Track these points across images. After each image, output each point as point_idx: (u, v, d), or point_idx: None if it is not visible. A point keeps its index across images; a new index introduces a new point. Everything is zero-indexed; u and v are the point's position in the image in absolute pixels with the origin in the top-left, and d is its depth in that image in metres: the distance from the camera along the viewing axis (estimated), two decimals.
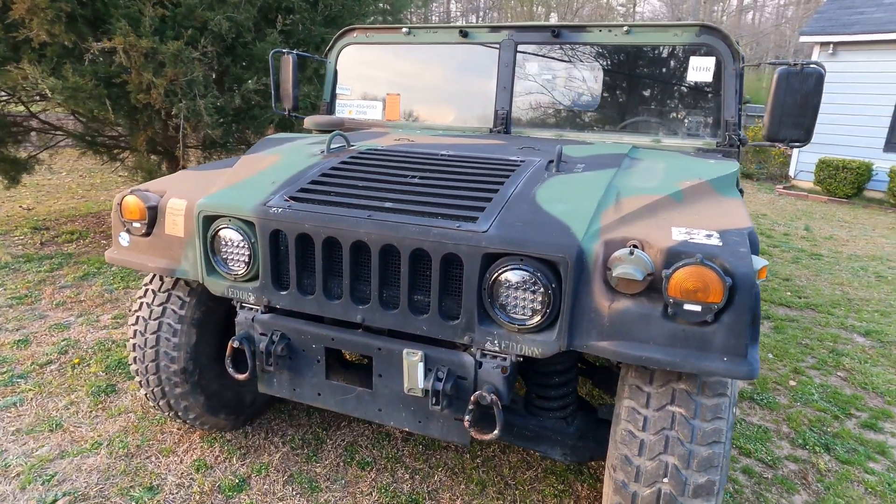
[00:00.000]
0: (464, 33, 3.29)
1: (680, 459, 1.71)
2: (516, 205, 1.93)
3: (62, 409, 3.07)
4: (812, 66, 2.56)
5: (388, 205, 2.01)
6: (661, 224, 1.86)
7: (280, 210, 2.04)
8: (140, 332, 2.52)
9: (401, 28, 3.47)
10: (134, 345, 2.55)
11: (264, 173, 2.35)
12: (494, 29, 3.25)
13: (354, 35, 3.61)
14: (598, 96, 3.26)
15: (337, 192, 2.15)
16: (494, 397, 1.82)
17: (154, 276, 2.57)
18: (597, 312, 1.70)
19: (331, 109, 3.75)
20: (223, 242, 2.16)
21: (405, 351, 1.93)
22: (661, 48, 3.01)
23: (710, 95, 2.93)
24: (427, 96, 3.65)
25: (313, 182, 2.22)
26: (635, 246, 1.75)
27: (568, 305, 1.71)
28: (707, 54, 2.88)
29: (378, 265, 1.93)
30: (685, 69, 2.97)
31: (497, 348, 1.83)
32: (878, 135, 11.08)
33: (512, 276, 1.75)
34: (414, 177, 2.23)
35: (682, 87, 3.01)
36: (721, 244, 1.65)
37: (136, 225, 2.32)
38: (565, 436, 2.21)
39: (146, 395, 2.64)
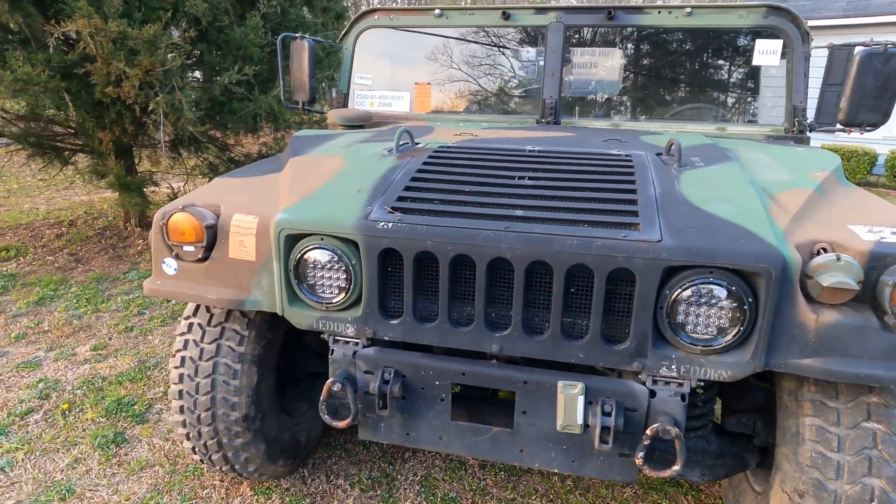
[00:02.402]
0: (506, 15, 3.00)
1: (889, 482, 1.55)
2: (671, 207, 1.70)
3: (67, 470, 2.55)
4: (894, 46, 2.49)
5: (518, 213, 1.72)
6: (831, 222, 1.69)
7: (390, 225, 1.70)
8: (188, 375, 2.09)
9: (431, 10, 3.13)
10: (180, 391, 2.11)
11: (339, 180, 1.98)
12: (540, 10, 2.98)
13: (375, 17, 3.23)
14: (653, 82, 3.08)
15: (441, 199, 1.84)
16: (677, 430, 1.59)
17: (198, 307, 2.13)
18: (800, 327, 1.51)
19: (347, 101, 3.35)
20: (311, 265, 1.79)
21: (561, 383, 1.66)
22: (722, 30, 2.86)
23: (776, 79, 2.82)
24: (462, 85, 3.34)
25: (407, 189, 1.89)
26: (824, 249, 1.57)
27: (768, 321, 1.50)
28: (774, 37, 2.76)
29: (522, 285, 1.64)
30: (749, 52, 2.84)
31: (674, 374, 1.61)
32: None
33: (699, 291, 1.52)
34: (522, 177, 1.95)
35: (746, 72, 2.88)
36: None
37: (189, 248, 1.89)
38: (706, 455, 2.03)
39: (194, 448, 2.21)
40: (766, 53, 2.79)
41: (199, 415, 2.10)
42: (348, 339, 1.86)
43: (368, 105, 3.31)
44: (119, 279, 4.89)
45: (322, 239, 1.76)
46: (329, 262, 1.77)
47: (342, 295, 1.79)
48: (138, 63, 3.60)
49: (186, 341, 2.11)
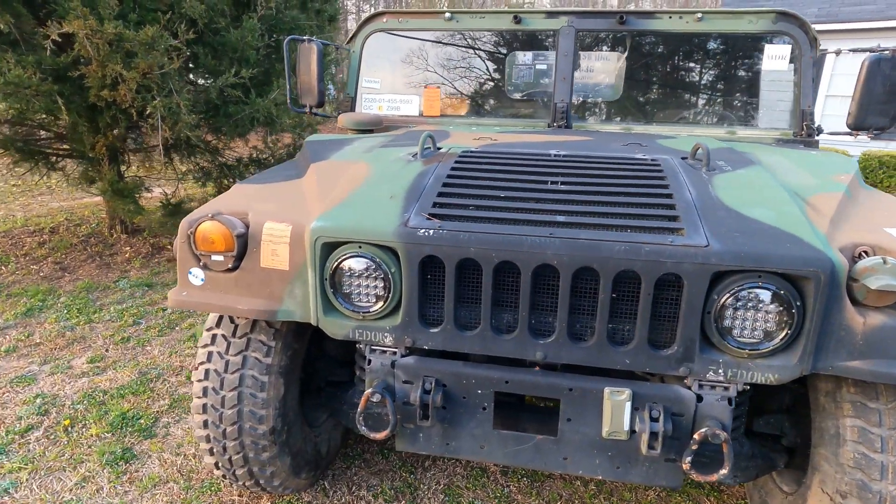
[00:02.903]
0: (517, 19, 3.00)
1: None
2: (711, 211, 1.70)
3: (76, 489, 2.45)
4: None
5: (560, 218, 1.71)
6: (867, 225, 1.72)
7: (431, 232, 1.67)
8: (213, 388, 2.02)
9: (441, 13, 3.11)
10: (204, 405, 2.04)
11: (369, 186, 1.94)
12: (552, 14, 2.99)
13: (384, 20, 3.19)
14: (662, 86, 3.11)
15: (477, 204, 1.81)
16: (725, 434, 1.59)
17: (221, 318, 2.07)
18: (848, 330, 1.52)
19: (354, 105, 3.31)
20: (348, 274, 1.75)
21: (608, 390, 1.65)
22: (732, 36, 2.90)
23: (785, 84, 2.87)
24: (471, 89, 3.33)
25: (441, 195, 1.86)
26: (865, 252, 1.60)
27: (816, 324, 1.51)
28: (783, 42, 2.81)
29: (568, 291, 1.62)
30: (759, 57, 2.88)
31: (721, 378, 1.61)
32: None
33: (748, 295, 1.53)
34: (555, 182, 1.94)
35: (755, 76, 2.93)
36: None
37: (218, 258, 1.83)
38: (739, 457, 2.04)
39: (217, 464, 2.14)
40: (776, 58, 2.84)
41: (225, 429, 2.03)
42: (385, 349, 1.82)
43: (377, 109, 3.27)
44: (109, 288, 4.74)
45: (360, 247, 1.73)
46: (367, 270, 1.73)
47: (380, 304, 1.75)
48: (135, 66, 3.49)
49: (210, 353, 2.04)
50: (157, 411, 3.02)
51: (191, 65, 4.07)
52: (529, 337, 1.69)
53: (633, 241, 1.58)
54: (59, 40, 3.37)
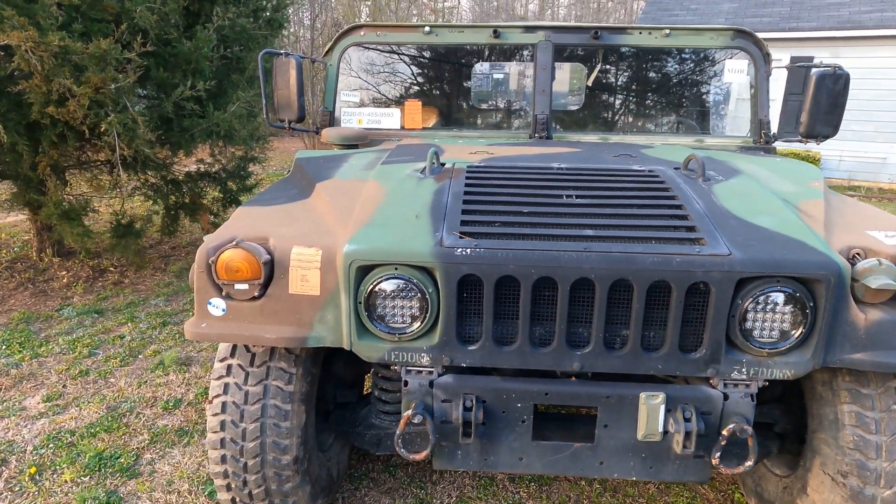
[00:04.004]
0: (496, 33, 3.07)
1: None
2: (722, 221, 1.84)
3: None
4: (841, 68, 2.84)
5: (588, 232, 1.78)
6: (850, 229, 1.91)
7: (469, 251, 1.69)
8: (232, 422, 1.93)
9: (421, 27, 3.12)
10: (223, 440, 1.94)
11: (389, 206, 1.93)
12: (529, 29, 3.09)
13: (361, 34, 3.17)
14: (635, 98, 3.28)
15: (502, 221, 1.86)
16: (751, 428, 1.72)
17: (235, 347, 1.98)
18: (852, 326, 1.69)
19: (333, 120, 3.25)
20: (383, 296, 1.74)
21: (644, 395, 1.73)
22: (695, 51, 3.12)
23: (743, 96, 3.11)
24: (450, 101, 3.36)
25: (465, 212, 1.89)
26: (857, 254, 1.78)
27: (827, 322, 1.67)
28: (741, 57, 3.05)
29: (605, 303, 1.70)
30: (719, 71, 3.11)
31: (744, 376, 1.74)
32: None
33: (768, 299, 1.67)
34: (570, 196, 2.01)
35: (718, 88, 3.16)
36: None
37: (242, 287, 1.76)
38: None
39: (234, 499, 2.04)
40: (735, 72, 3.08)
41: (247, 462, 1.95)
42: (422, 369, 1.82)
43: (356, 122, 3.24)
44: (52, 318, 4.37)
45: (396, 269, 1.72)
46: (403, 291, 1.73)
47: (416, 324, 1.75)
48: (86, 80, 3.23)
49: (226, 385, 1.95)
50: (138, 448, 2.82)
51: (139, 78, 3.81)
52: (567, 348, 1.74)
53: (663, 253, 1.67)
54: (1, 53, 3.07)
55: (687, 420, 1.72)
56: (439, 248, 1.70)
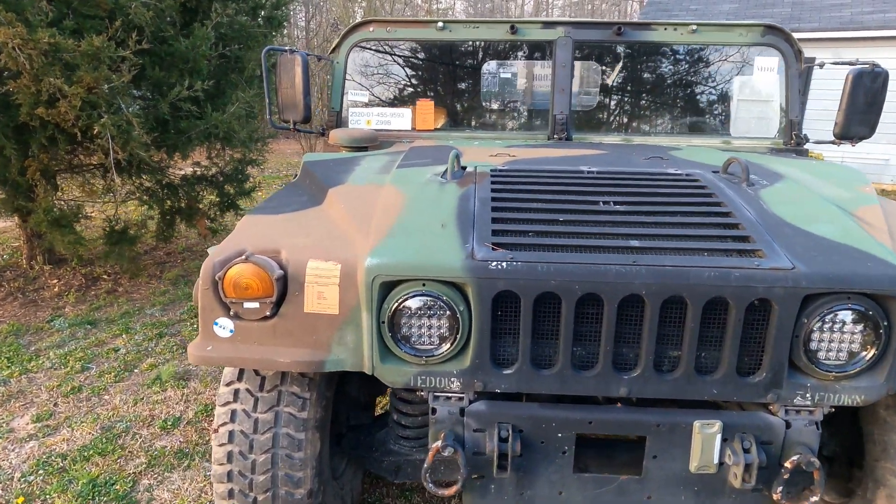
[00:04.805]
0: (513, 29, 2.91)
1: None
2: (776, 230, 1.68)
3: None
4: (879, 66, 2.70)
5: (634, 243, 1.61)
6: None
7: (505, 264, 1.52)
8: (240, 453, 1.75)
9: (433, 22, 2.96)
10: (229, 473, 1.76)
11: (411, 214, 1.76)
12: (549, 25, 2.92)
13: (370, 30, 2.99)
14: (657, 96, 3.12)
15: (536, 230, 1.69)
16: (818, 461, 1.56)
17: (243, 370, 1.80)
18: None
19: (340, 120, 3.08)
20: (408, 315, 1.57)
21: (698, 423, 1.57)
22: (723, 47, 2.97)
23: (773, 95, 2.96)
24: (464, 101, 3.19)
25: (494, 220, 1.72)
26: None
27: None
28: (771, 54, 2.89)
29: (656, 322, 1.53)
30: (747, 68, 2.96)
31: (808, 402, 1.57)
32: None
33: (837, 317, 1.50)
34: (607, 202, 1.85)
35: (747, 87, 3.00)
36: None
37: (252, 305, 1.58)
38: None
39: None
40: (764, 70, 2.93)
41: (256, 497, 1.77)
42: (451, 395, 1.65)
43: (365, 123, 3.07)
44: (43, 330, 4.16)
45: (424, 284, 1.55)
46: (431, 309, 1.56)
47: (446, 346, 1.58)
48: (78, 80, 3.05)
49: (233, 412, 1.77)
50: (134, 473, 2.63)
51: (134, 77, 3.62)
52: (612, 372, 1.58)
53: (720, 267, 1.51)
54: None
55: (746, 451, 1.56)
56: (471, 262, 1.53)
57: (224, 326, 1.62)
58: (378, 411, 2.68)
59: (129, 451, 2.79)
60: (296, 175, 2.55)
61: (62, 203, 4.21)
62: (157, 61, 3.74)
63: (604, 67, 3.14)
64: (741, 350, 1.57)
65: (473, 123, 3.18)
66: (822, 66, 2.89)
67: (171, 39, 3.74)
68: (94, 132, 3.20)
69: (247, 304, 1.58)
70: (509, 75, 3.14)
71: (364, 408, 2.27)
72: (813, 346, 1.54)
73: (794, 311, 1.49)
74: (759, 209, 1.79)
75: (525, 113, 3.21)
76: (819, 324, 1.51)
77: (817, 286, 1.48)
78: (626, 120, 3.20)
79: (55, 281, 5.11)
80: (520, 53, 3.13)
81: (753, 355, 1.59)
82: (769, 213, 1.78)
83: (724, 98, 3.09)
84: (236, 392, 1.78)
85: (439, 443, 1.60)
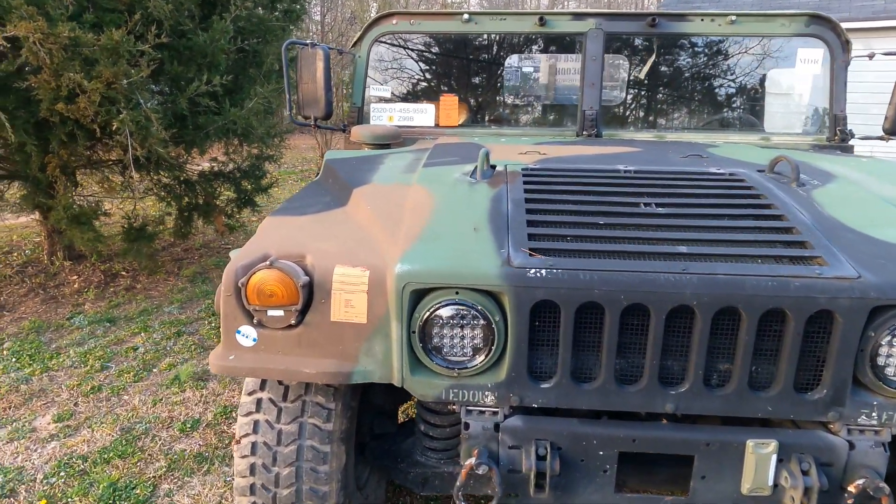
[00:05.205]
0: (542, 21, 2.79)
1: None
2: (836, 235, 1.56)
3: None
4: None
5: (682, 249, 1.50)
6: None
7: (544, 272, 1.43)
8: (264, 465, 1.68)
9: (458, 14, 2.85)
10: (252, 486, 1.69)
11: (441, 217, 1.67)
12: (578, 16, 2.80)
13: (393, 22, 2.90)
14: (691, 91, 2.99)
15: (575, 234, 1.59)
16: (886, 485, 1.44)
17: (265, 380, 1.73)
18: None
19: (360, 116, 3.00)
20: (440, 324, 1.48)
21: (751, 442, 1.46)
22: (763, 38, 2.82)
23: (818, 88, 2.81)
24: (488, 96, 3.09)
25: (530, 224, 1.62)
26: None
27: None
28: (815, 45, 2.75)
29: (707, 335, 1.43)
30: (789, 60, 2.81)
31: (874, 422, 1.46)
32: None
33: None
34: (648, 204, 1.74)
35: (788, 80, 2.86)
36: None
37: (277, 313, 1.51)
38: None
39: None
40: (808, 62, 2.78)
41: None
42: (485, 409, 1.56)
43: (387, 119, 2.98)
44: (63, 327, 4.15)
45: (457, 293, 1.46)
46: (465, 319, 1.47)
47: (480, 357, 1.49)
48: (97, 74, 3.00)
49: (256, 423, 1.70)
50: (154, 476, 2.59)
51: (153, 72, 3.57)
52: (658, 387, 1.48)
53: (779, 276, 1.40)
54: (9, 45, 2.84)
55: (805, 473, 1.45)
56: (508, 269, 1.43)
57: (247, 335, 1.54)
58: (400, 417, 2.60)
59: (149, 454, 2.74)
60: (318, 173, 2.47)
61: (81, 200, 4.19)
62: (175, 56, 3.68)
63: (635, 61, 3.01)
64: (799, 364, 1.46)
65: (498, 119, 3.08)
66: (871, 56, 2.74)
67: (190, 33, 3.68)
68: (113, 128, 3.16)
69: (271, 312, 1.50)
70: (537, 69, 3.03)
71: (388, 416, 2.19)
72: (881, 361, 1.42)
73: (860, 323, 1.38)
74: (814, 212, 1.67)
75: (552, 108, 3.09)
76: (888, 338, 1.40)
77: (888, 297, 1.36)
78: (657, 116, 3.07)
79: (75, 277, 5.11)
80: (548, 46, 3.02)
81: (811, 370, 1.47)
82: (825, 216, 1.65)
83: (763, 92, 2.95)
84: (259, 402, 1.71)
85: (473, 460, 1.51)
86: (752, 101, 2.97)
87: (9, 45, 2.85)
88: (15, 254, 5.80)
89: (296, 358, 1.54)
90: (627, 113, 3.09)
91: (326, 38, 17.80)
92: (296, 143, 14.62)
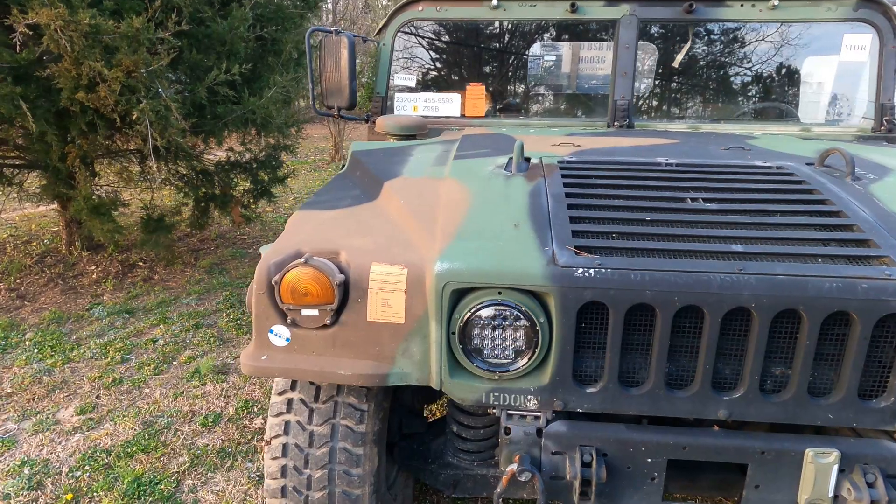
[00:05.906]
0: (574, 7, 2.69)
1: None
2: None
3: None
4: None
5: (737, 248, 1.42)
6: None
7: (593, 272, 1.35)
8: (295, 468, 1.63)
9: (487, 0, 2.75)
10: (283, 489, 1.65)
11: (479, 212, 1.60)
12: (612, 2, 2.69)
13: (419, 9, 2.81)
14: (727, 79, 2.88)
15: (620, 231, 1.51)
16: None
17: (295, 381, 1.68)
18: None
19: (384, 106, 2.92)
20: (481, 326, 1.41)
21: (811, 451, 1.38)
22: (804, 24, 2.70)
23: (861, 75, 2.69)
24: (518, 86, 3.00)
25: (573, 220, 1.54)
26: None
27: None
28: (863, 30, 2.62)
29: (765, 338, 1.35)
30: (836, 47, 2.69)
31: None
32: None
33: None
34: (696, 199, 1.66)
35: (831, 68, 2.73)
36: None
37: (311, 312, 1.45)
38: None
39: None
40: (854, 48, 2.65)
41: None
42: (527, 413, 1.49)
43: (411, 109, 2.90)
44: (83, 318, 4.15)
45: (500, 293, 1.39)
46: (507, 320, 1.40)
47: (523, 360, 1.42)
48: (118, 63, 2.95)
49: (287, 423, 1.65)
50: (178, 472, 2.56)
51: (171, 60, 3.52)
52: (711, 392, 1.40)
53: (844, 276, 1.31)
54: (30, 33, 2.80)
55: (870, 485, 1.37)
56: (554, 268, 1.36)
57: (280, 335, 1.49)
58: (426, 414, 2.55)
59: (172, 449, 2.72)
60: (331, 163, 2.40)
61: (101, 190, 4.16)
62: (194, 44, 3.62)
63: (669, 48, 2.90)
64: (863, 370, 1.38)
65: (526, 110, 2.99)
66: None
67: (209, 20, 3.61)
68: (133, 117, 3.11)
69: (305, 312, 1.45)
70: (566, 57, 2.93)
71: (416, 414, 2.14)
72: None
73: None
74: (875, 208, 1.58)
75: (582, 98, 3.00)
76: None
77: None
78: (691, 105, 2.96)
79: (93, 267, 5.11)
80: (578, 33, 2.92)
81: (876, 376, 1.39)
82: (888, 212, 1.56)
83: (802, 81, 2.83)
84: (289, 402, 1.66)
85: (515, 466, 1.45)
86: (792, 90, 2.85)
87: (30, 33, 2.81)
88: (34, 243, 5.81)
89: (330, 359, 1.48)
90: (660, 103, 2.98)
91: (339, 26, 17.68)
92: (309, 133, 14.54)
